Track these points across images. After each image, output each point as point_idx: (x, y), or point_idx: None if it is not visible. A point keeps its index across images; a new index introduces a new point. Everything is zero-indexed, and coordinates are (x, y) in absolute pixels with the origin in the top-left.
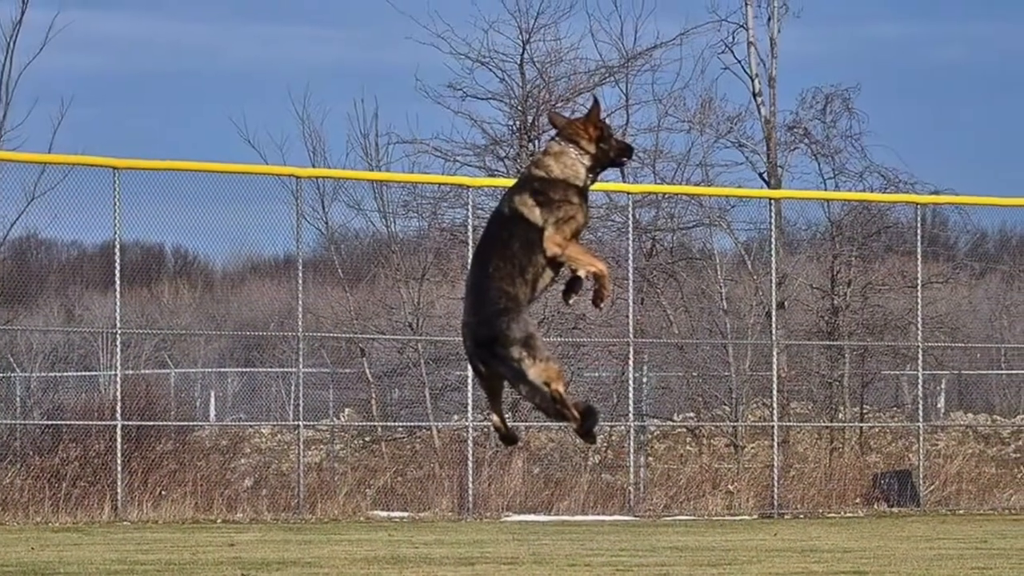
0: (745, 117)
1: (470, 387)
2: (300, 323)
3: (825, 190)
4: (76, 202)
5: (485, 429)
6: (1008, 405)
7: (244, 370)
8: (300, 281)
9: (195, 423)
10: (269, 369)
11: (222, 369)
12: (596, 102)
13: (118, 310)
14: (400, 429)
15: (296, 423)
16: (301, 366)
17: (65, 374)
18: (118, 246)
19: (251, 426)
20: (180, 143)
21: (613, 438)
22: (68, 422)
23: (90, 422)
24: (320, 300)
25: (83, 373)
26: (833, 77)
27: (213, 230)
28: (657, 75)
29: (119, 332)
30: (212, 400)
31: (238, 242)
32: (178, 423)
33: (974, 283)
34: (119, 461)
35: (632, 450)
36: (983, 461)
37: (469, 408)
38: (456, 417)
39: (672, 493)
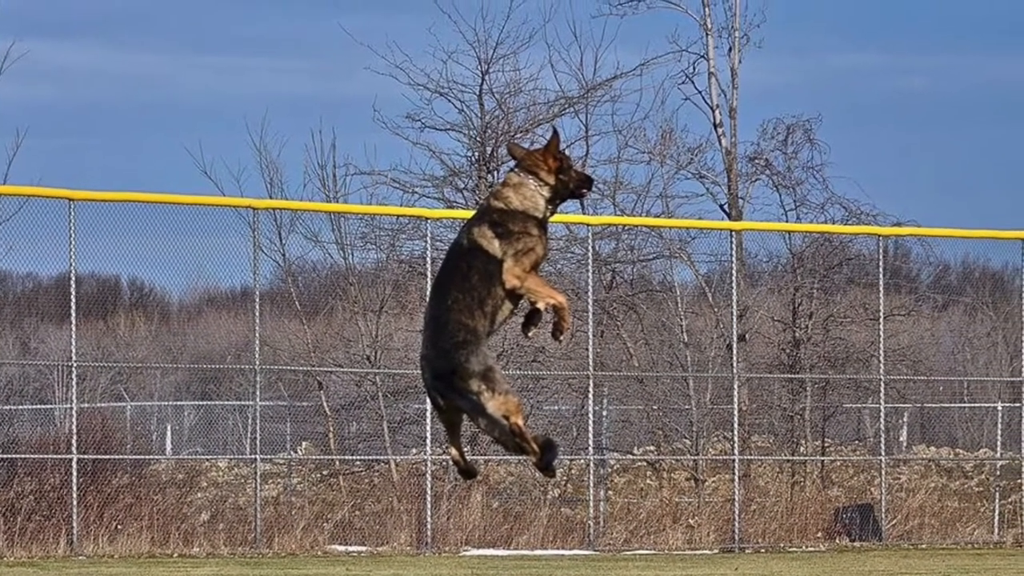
0: (706, 148)
1: (429, 420)
2: (257, 356)
3: (787, 222)
4: (31, 234)
5: (444, 463)
6: (971, 439)
7: (200, 403)
8: (257, 313)
9: (151, 457)
10: (226, 402)
11: (178, 402)
12: (555, 133)
13: (74, 343)
14: (358, 463)
15: (253, 456)
16: (258, 399)
17: (20, 407)
18: (74, 278)
19: (208, 460)
20: (136, 174)
21: (573, 472)
22: (23, 455)
23: (45, 456)
24: (277, 333)
25: (38, 406)
26: (795, 108)
27: (169, 262)
28: (617, 106)
29: (74, 365)
30: (168, 433)
31: (194, 274)
32: (134, 457)
33: (937, 316)
34: (75, 495)
35: (592, 484)
36: (946, 495)
37: (428, 441)
38: (414, 451)
39: (632, 527)
